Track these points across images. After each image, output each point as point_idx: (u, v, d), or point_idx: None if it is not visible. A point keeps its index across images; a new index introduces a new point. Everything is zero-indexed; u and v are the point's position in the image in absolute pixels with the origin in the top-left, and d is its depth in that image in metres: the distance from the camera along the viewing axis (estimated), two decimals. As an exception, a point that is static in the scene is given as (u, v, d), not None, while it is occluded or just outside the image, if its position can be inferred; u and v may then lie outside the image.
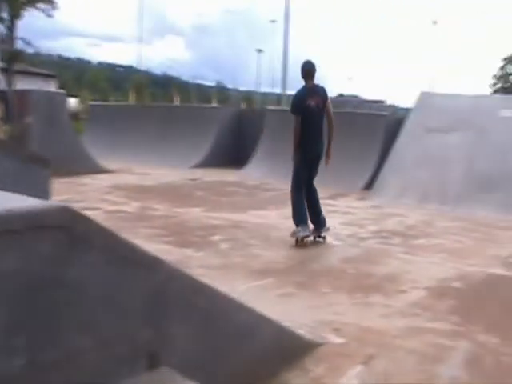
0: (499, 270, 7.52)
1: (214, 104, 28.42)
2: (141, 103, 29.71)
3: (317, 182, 14.62)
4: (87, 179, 14.84)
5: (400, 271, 7.12)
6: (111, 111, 23.63)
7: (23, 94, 16.73)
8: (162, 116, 21.53)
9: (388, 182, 13.93)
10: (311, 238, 8.67)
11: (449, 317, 5.50)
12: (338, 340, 4.76)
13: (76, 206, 2.68)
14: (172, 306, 3.23)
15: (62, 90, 17.41)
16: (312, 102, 8.48)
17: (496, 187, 12.64)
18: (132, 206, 11.14)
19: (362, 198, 13.70)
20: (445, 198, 12.88)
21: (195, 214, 10.66)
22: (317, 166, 8.98)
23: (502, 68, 75.71)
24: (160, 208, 11.06)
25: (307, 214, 8.61)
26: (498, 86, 73.61)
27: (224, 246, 8.10)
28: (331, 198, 13.46)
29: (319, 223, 8.82)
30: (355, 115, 18.02)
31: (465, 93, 18.59)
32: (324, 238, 8.78)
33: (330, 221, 10.29)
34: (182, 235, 8.71)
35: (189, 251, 7.71)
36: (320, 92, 8.67)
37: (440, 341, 4.86)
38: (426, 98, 15.05)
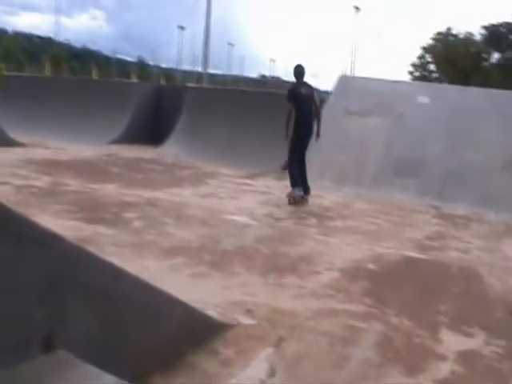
0: (414, 253, 7.51)
1: (134, 79, 27.82)
2: (57, 76, 28.76)
3: (237, 162, 14.64)
4: (-4, 152, 14.20)
5: (315, 252, 7.00)
6: (26, 83, 22.74)
7: None
8: (79, 90, 20.84)
9: (306, 163, 13.85)
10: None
11: (362, 298, 5.40)
12: (249, 321, 4.59)
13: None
14: (70, 285, 2.95)
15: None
16: (303, 90, 10.51)
17: (412, 172, 12.78)
18: (43, 181, 10.66)
19: (279, 179, 13.56)
20: (362, 181, 12.93)
21: (109, 190, 10.29)
22: (308, 142, 10.76)
23: (421, 57, 77.24)
24: (73, 183, 10.63)
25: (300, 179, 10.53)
26: (417, 74, 75.10)
27: (137, 223, 7.80)
28: (249, 177, 13.37)
29: (306, 189, 10.68)
30: (275, 95, 17.87)
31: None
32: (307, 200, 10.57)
33: (247, 200, 10.19)
34: (93, 212, 8.36)
35: (100, 228, 7.38)
36: (309, 86, 10.78)
37: (352, 323, 4.75)
38: (345, 81, 15.07)
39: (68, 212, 8.16)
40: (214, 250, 6.74)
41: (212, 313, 4.55)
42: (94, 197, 9.50)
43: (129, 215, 8.25)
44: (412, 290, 5.93)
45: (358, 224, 9.06)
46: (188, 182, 11.99)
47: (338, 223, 9.05)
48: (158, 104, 20.32)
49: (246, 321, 4.58)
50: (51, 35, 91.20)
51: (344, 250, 7.32)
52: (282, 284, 5.66)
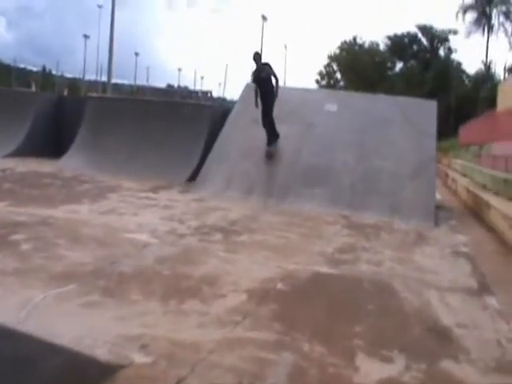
0: (325, 268, 7.12)
1: (34, 89, 26.69)
2: None
3: (140, 175, 14.08)
4: None
5: (220, 272, 6.49)
6: None
7: None
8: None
9: (212, 173, 13.43)
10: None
11: (271, 324, 4.93)
12: (144, 359, 4.04)
13: None
14: None
15: None
16: (263, 75, 13.81)
17: (321, 181, 12.54)
18: None
19: (184, 191, 13.09)
20: (271, 191, 12.59)
21: (-1, 208, 9.51)
22: (269, 109, 13.77)
23: (328, 65, 78.32)
24: (-48, 204, 9.79)
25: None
26: (323, 83, 76.11)
27: (25, 246, 7.09)
28: (152, 190, 12.81)
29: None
30: (181, 105, 17.44)
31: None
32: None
33: (149, 216, 9.65)
34: (-24, 234, 7.61)
35: (-20, 253, 6.67)
36: (266, 67, 13.87)
37: (261, 354, 4.27)
38: (250, 89, 14.66)
39: None
40: (110, 274, 6.14)
41: (101, 351, 4.00)
42: (-22, 217, 8.71)
43: (17, 237, 7.51)
44: (324, 310, 5.50)
45: (266, 238, 8.62)
46: (87, 197, 11.29)
47: (245, 238, 8.58)
48: (59, 115, 19.50)
49: (140, 359, 4.03)
50: None
51: (251, 268, 6.84)
52: (184, 311, 5.13)
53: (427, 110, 14.38)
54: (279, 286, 6.16)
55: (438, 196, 14.34)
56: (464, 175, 22.32)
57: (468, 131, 34.44)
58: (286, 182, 12.78)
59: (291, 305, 5.55)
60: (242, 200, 12.02)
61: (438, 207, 13.08)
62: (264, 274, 6.58)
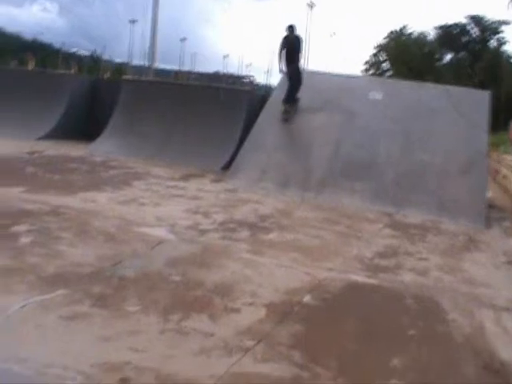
0: (361, 277, 6.18)
1: (72, 72, 26.13)
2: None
3: (172, 161, 13.36)
4: None
5: (238, 278, 5.59)
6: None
7: None
8: (9, 81, 19.10)
9: (247, 163, 12.54)
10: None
11: (290, 352, 4.01)
12: (120, 402, 3.19)
13: None
14: None
15: None
16: (290, 39, 14.13)
17: (363, 174, 11.55)
18: None
19: (217, 181, 12.21)
20: (307, 184, 11.65)
21: (12, 195, 8.75)
22: (292, 72, 14.02)
23: (375, 55, 76.83)
24: (-31, 186, 9.09)
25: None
26: (371, 72, 74.72)
27: (25, 239, 6.31)
28: (182, 178, 11.97)
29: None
30: (217, 89, 16.54)
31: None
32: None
33: (172, 208, 8.84)
34: (-25, 224, 6.85)
35: (-30, 249, 5.89)
36: (295, 36, 14.34)
37: (272, 398, 3.37)
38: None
39: None
40: (109, 278, 5.29)
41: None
42: (-14, 204, 7.97)
43: (18, 228, 6.74)
44: (356, 334, 4.57)
45: (298, 237, 7.71)
46: (110, 184, 10.49)
47: (274, 236, 7.68)
48: (94, 97, 18.82)
49: (114, 401, 3.17)
50: (1, 25, 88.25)
51: (276, 274, 5.93)
52: (185, 330, 4.25)
53: (479, 101, 13.23)
54: (306, 299, 5.24)
55: (488, 194, 13.21)
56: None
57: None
58: (324, 174, 11.82)
59: (317, 326, 4.63)
60: (276, 192, 11.12)
61: (489, 206, 11.97)
62: (290, 282, 5.67)
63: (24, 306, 4.41)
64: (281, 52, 14.12)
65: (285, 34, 14.42)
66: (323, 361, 3.94)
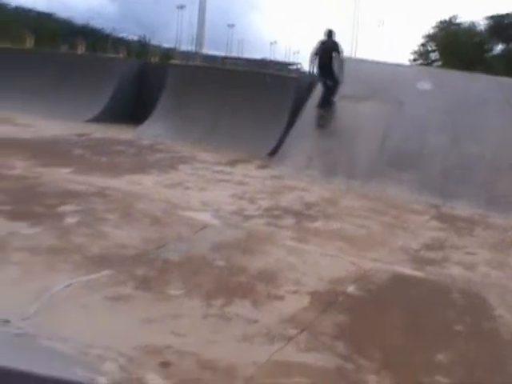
0: (407, 268, 6.07)
1: (121, 56, 26.24)
2: (36, 48, 27.14)
3: (219, 146, 13.35)
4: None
5: (282, 266, 5.54)
6: (2, 55, 21.20)
7: None
8: (60, 64, 19.29)
9: (293, 149, 12.43)
10: None
11: (333, 343, 3.95)
12: (160, 386, 3.17)
13: None
14: None
15: None
16: (325, 46, 13.26)
17: (410, 165, 11.34)
18: (-15, 163, 9.22)
19: (263, 166, 12.14)
20: (354, 173, 11.48)
21: (59, 175, 8.83)
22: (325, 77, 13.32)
23: (423, 45, 75.71)
24: (19, 166, 9.16)
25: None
26: (419, 62, 73.67)
27: (70, 220, 6.35)
28: (229, 163, 11.90)
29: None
30: (264, 75, 16.46)
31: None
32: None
33: (218, 192, 8.81)
34: (24, 204, 6.90)
35: (20, 226, 5.94)
36: (330, 42, 13.40)
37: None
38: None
39: (-7, 202, 6.74)
40: (153, 261, 5.29)
41: (109, 367, 3.15)
42: (35, 184, 8.04)
43: (65, 209, 6.80)
44: (402, 327, 4.48)
45: (343, 226, 7.61)
46: (156, 167, 10.51)
47: (320, 224, 7.59)
48: (142, 81, 18.90)
49: (155, 384, 3.16)
50: (55, 11, 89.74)
51: (320, 263, 5.86)
52: (228, 316, 4.22)
53: (534, 94, 12.88)
54: (350, 289, 5.16)
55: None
56: None
57: None
58: (371, 164, 11.66)
59: (362, 317, 4.56)
60: (322, 180, 11.00)
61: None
62: (334, 271, 5.60)
63: (69, 285, 4.43)
64: (313, 56, 13.53)
65: (322, 38, 13.69)
66: (367, 352, 3.87)
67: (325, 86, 13.31)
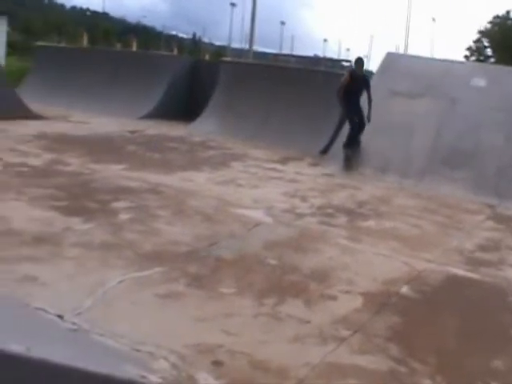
0: (461, 270, 5.96)
1: (175, 53, 26.42)
2: (91, 47, 27.54)
3: (271, 143, 13.33)
4: (10, 125, 12.89)
5: (335, 265, 5.50)
6: (58, 54, 21.56)
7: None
8: (114, 62, 19.55)
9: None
10: None
11: (387, 345, 3.90)
12: (212, 386, 3.17)
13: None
14: None
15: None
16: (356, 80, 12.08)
17: (464, 163, 11.14)
18: (42, 159, 9.37)
19: (315, 164, 12.09)
20: (407, 171, 11.35)
21: (112, 172, 8.95)
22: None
23: (477, 41, 74.42)
24: (74, 163, 9.32)
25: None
26: (473, 59, 72.46)
27: (124, 216, 6.43)
28: (281, 161, 11.87)
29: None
30: (314, 72, 16.38)
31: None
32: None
33: (270, 190, 8.80)
34: (79, 199, 7.02)
35: (74, 221, 6.03)
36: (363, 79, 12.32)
37: (366, 392, 3.28)
38: (392, 59, 13.45)
39: (48, 198, 6.85)
40: (206, 258, 5.31)
41: (161, 365, 3.16)
42: (89, 180, 8.16)
43: (118, 205, 6.88)
44: (457, 330, 4.40)
45: (396, 225, 7.52)
46: (208, 164, 10.56)
47: (372, 223, 7.52)
48: (195, 78, 19.02)
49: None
50: (109, 11, 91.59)
51: (373, 262, 5.80)
52: (280, 315, 4.20)
53: None
54: (404, 290, 5.09)
55: None
56: None
57: None
58: (424, 162, 11.49)
59: (415, 319, 4.50)
60: (374, 178, 10.90)
61: None
62: (388, 271, 5.53)
63: (121, 281, 4.47)
64: (343, 90, 12.14)
65: (352, 68, 12.93)
66: (421, 356, 3.81)
67: (352, 123, 12.21)
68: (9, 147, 10.15)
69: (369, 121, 11.95)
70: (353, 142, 12.08)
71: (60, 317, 3.76)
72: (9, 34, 39.37)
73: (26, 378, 2.05)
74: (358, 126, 12.10)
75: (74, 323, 3.70)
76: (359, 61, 12.83)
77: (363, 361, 3.63)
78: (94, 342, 3.48)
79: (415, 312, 4.63)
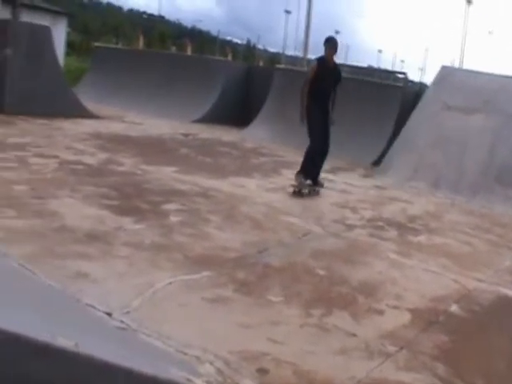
0: (514, 291, 5.85)
1: (229, 58, 26.56)
2: (147, 49, 27.89)
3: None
4: (67, 123, 13.18)
5: (383, 279, 5.45)
6: (115, 55, 21.91)
7: (2, 24, 14.62)
8: (169, 64, 19.78)
9: (397, 160, 12.25)
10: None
11: (433, 363, 3.83)
12: (256, 393, 3.17)
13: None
14: None
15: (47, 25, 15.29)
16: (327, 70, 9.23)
17: (520, 181, 10.92)
18: (96, 158, 9.52)
19: (366, 176, 12.03)
20: (459, 187, 11.20)
21: (164, 174, 9.05)
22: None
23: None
24: (127, 163, 9.46)
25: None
26: (533, 74, 71.05)
27: (174, 218, 6.49)
28: (331, 171, 11.78)
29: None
30: (369, 84, 16.25)
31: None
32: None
33: (319, 200, 8.76)
34: (131, 199, 7.11)
35: (126, 221, 6.12)
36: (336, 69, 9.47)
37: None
38: (447, 72, 13.27)
39: (101, 197, 6.96)
40: (254, 265, 5.31)
41: (207, 370, 3.18)
42: (142, 181, 8.25)
43: (169, 207, 6.95)
44: (507, 354, 4.31)
45: (447, 242, 7.41)
46: (259, 171, 10.60)
47: (423, 239, 7.43)
48: (248, 84, 19.12)
49: (250, 393, 3.15)
50: (165, 14, 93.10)
51: (423, 279, 5.73)
52: (327, 327, 4.17)
53: None
54: (453, 308, 5.01)
55: None
56: None
57: None
58: (477, 178, 11.31)
59: (464, 338, 4.41)
60: (426, 193, 10.78)
61: None
62: (437, 288, 5.45)
63: (170, 283, 4.50)
64: (308, 87, 9.13)
65: (320, 56, 9.42)
66: (468, 378, 3.74)
67: (314, 137, 9.39)
68: (65, 145, 10.34)
69: (332, 123, 9.56)
70: (309, 167, 9.24)
71: (109, 314, 3.81)
72: (68, 35, 40.24)
73: (73, 373, 2.08)
74: (320, 144, 9.36)
75: (121, 321, 3.74)
76: (330, 41, 9.23)
77: (409, 378, 3.58)
78: (140, 341, 3.52)
79: (464, 331, 4.55)
